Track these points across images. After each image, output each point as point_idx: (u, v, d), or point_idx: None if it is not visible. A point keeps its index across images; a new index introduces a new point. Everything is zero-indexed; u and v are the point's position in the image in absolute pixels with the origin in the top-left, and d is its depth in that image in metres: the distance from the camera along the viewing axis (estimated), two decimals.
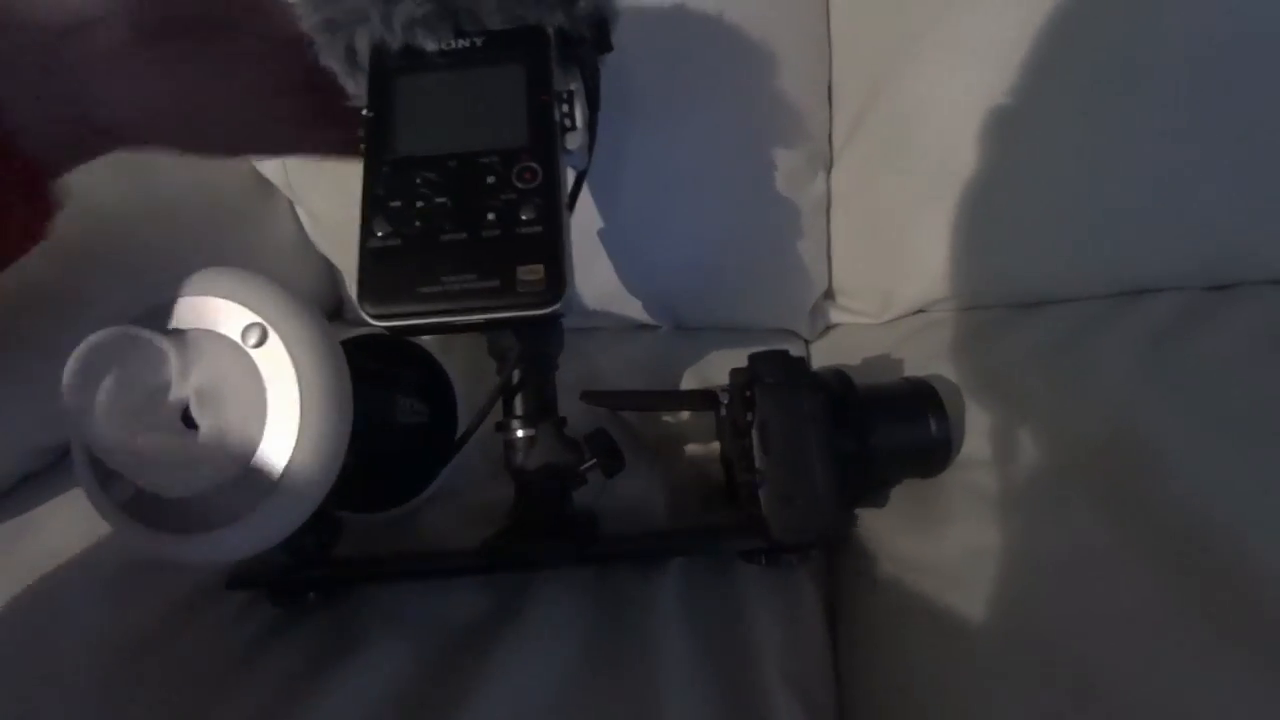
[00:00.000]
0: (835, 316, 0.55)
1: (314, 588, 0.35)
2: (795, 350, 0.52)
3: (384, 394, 0.37)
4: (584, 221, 0.49)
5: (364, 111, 0.31)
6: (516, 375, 0.35)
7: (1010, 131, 0.44)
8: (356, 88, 0.32)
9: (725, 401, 0.32)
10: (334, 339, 0.29)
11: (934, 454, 0.35)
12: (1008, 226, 0.46)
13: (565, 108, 0.31)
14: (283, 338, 0.28)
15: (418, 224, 0.29)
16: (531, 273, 0.27)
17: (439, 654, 0.31)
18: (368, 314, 0.28)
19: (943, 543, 0.34)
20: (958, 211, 0.46)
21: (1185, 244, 0.45)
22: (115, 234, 0.48)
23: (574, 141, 0.32)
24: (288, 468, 0.27)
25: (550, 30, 0.32)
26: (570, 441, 0.35)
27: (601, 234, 0.51)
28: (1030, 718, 0.26)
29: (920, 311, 0.51)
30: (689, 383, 0.49)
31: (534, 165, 0.29)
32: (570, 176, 0.37)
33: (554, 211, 0.29)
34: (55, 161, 0.29)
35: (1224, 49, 0.41)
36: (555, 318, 0.28)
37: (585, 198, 0.47)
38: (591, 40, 0.33)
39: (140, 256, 0.49)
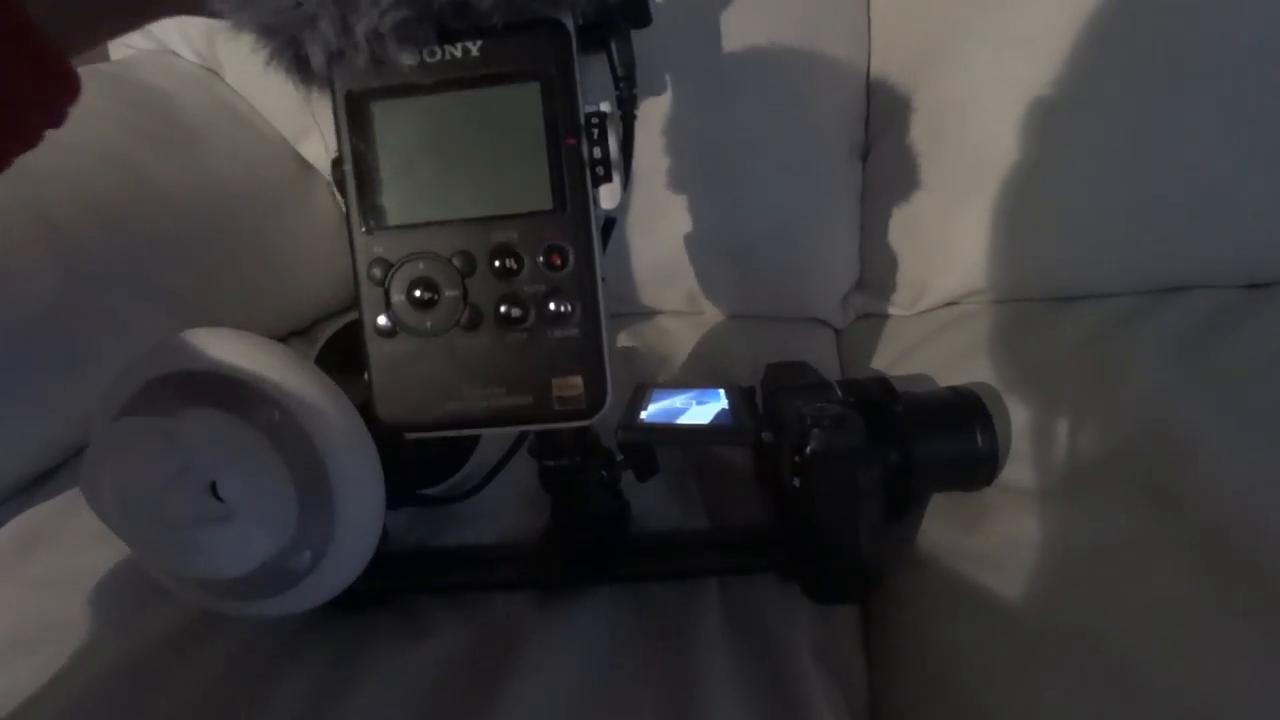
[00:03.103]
0: (865, 306, 0.55)
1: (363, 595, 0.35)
2: (824, 341, 0.52)
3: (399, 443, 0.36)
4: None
5: (336, 158, 0.24)
6: None
7: (1051, 124, 0.44)
8: (319, 104, 0.25)
9: (769, 441, 0.32)
10: (349, 406, 0.25)
11: (980, 468, 0.34)
12: (1046, 220, 0.46)
13: (597, 150, 0.24)
14: (300, 416, 0.24)
15: (428, 325, 0.24)
16: (569, 387, 0.24)
17: (471, 652, 0.31)
18: (383, 420, 0.25)
19: (980, 533, 0.34)
20: (995, 204, 0.46)
21: (1224, 242, 0.45)
22: (167, 209, 0.50)
23: (609, 199, 0.25)
24: (338, 535, 0.25)
25: (569, 23, 0.23)
26: (607, 454, 0.34)
27: (631, 220, 0.51)
28: (1067, 706, 0.26)
29: (953, 304, 0.51)
30: (717, 369, 0.49)
31: (563, 246, 0.24)
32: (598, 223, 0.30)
33: (591, 306, 0.24)
34: (69, 38, 0.24)
35: (1273, 48, 0.40)
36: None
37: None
38: (623, 14, 0.26)
39: (192, 233, 0.50)
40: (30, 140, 0.24)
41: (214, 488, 0.24)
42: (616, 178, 0.25)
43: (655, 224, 0.51)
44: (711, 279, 0.53)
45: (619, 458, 0.34)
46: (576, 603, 0.33)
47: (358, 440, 0.25)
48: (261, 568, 0.25)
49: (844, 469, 0.28)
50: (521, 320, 0.24)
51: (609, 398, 0.25)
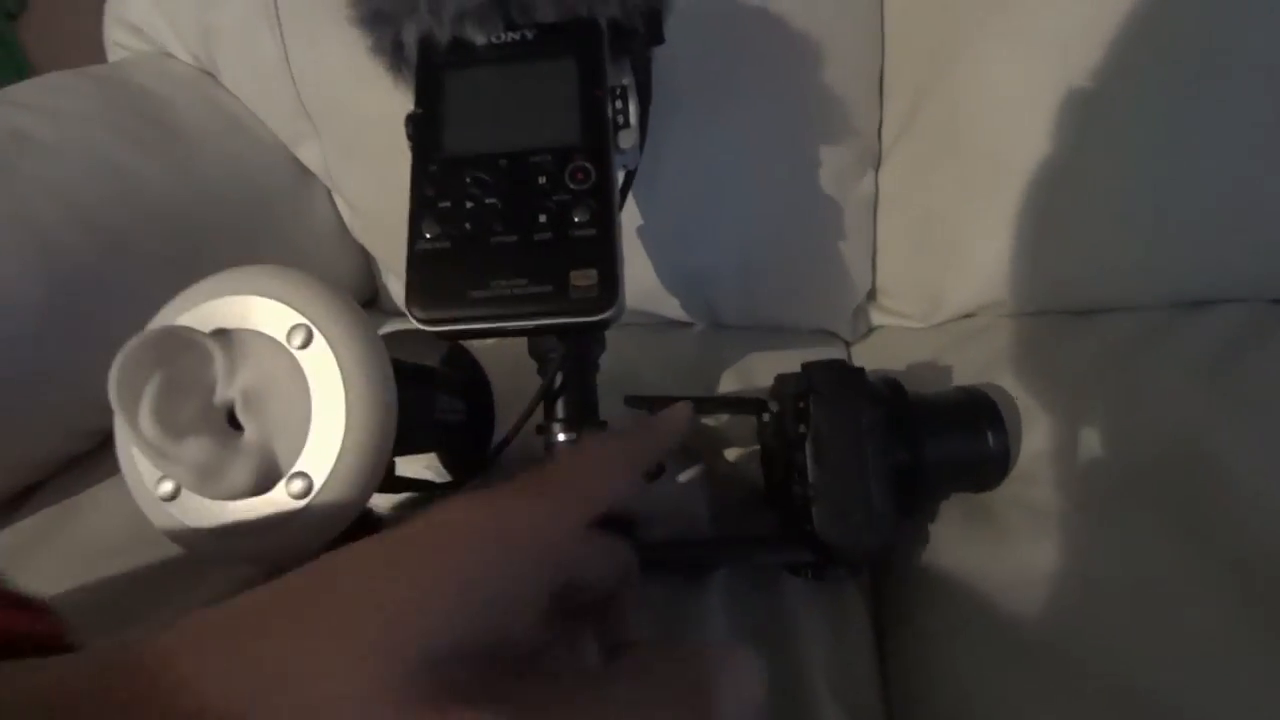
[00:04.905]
0: (878, 319, 0.53)
1: None
2: (834, 353, 0.51)
3: (423, 391, 0.37)
4: (623, 217, 0.47)
5: (412, 109, 0.30)
6: (559, 379, 0.34)
7: (1073, 131, 0.42)
8: (404, 83, 0.31)
9: (774, 410, 0.31)
10: (378, 341, 0.28)
11: (990, 468, 0.33)
12: (1067, 230, 0.44)
13: (619, 104, 0.30)
14: (328, 339, 0.27)
15: (467, 226, 0.28)
16: (584, 278, 0.27)
17: None
18: (416, 318, 0.28)
19: (998, 558, 0.33)
20: (1014, 213, 0.45)
21: (1255, 254, 0.43)
22: (160, 220, 0.49)
23: (627, 140, 0.31)
24: (333, 471, 0.27)
25: (603, 23, 0.31)
26: None
27: (640, 229, 0.49)
28: None
29: (969, 316, 0.49)
30: (727, 383, 0.48)
31: (587, 165, 0.28)
32: (619, 176, 0.37)
33: (608, 214, 0.28)
34: None
35: None
36: (606, 324, 0.28)
37: None
38: (644, 32, 0.33)
39: (185, 243, 0.49)
40: None
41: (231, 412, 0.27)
42: (633, 126, 0.31)
43: (660, 233, 0.49)
44: (718, 289, 0.52)
45: None
46: None
47: (379, 371, 0.27)
48: (258, 492, 0.26)
49: (847, 406, 0.29)
50: (548, 224, 0.28)
51: (620, 298, 0.27)
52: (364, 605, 0.15)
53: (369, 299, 0.61)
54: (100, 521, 0.39)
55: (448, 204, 0.28)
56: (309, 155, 0.55)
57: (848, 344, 0.53)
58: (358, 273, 0.59)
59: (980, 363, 0.44)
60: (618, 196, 0.30)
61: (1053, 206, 0.44)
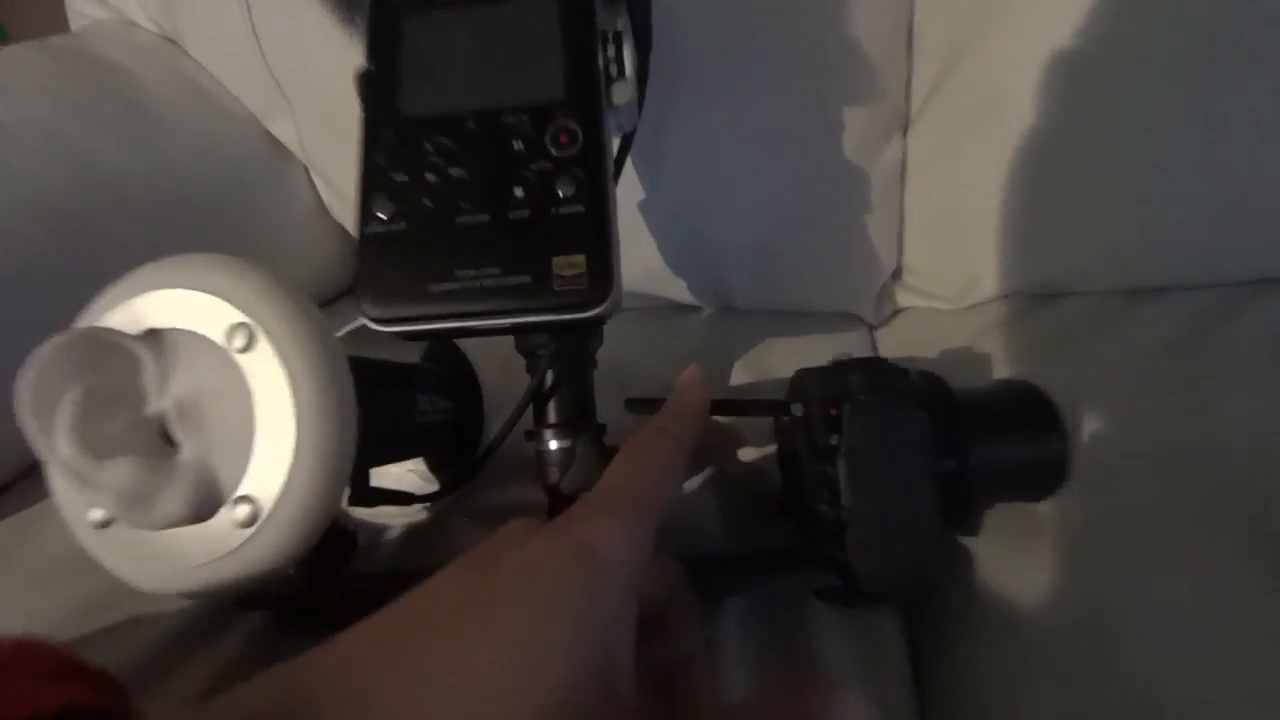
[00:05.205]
0: (904, 300, 0.49)
1: (326, 611, 0.32)
2: (856, 338, 0.46)
3: (400, 393, 0.33)
4: (621, 188, 0.43)
5: (363, 64, 0.25)
6: (550, 377, 0.30)
7: (1122, 95, 0.37)
8: (359, 36, 0.27)
9: (798, 414, 0.27)
10: (334, 340, 0.24)
11: (1045, 475, 0.29)
12: (1115, 204, 0.40)
13: (611, 51, 0.26)
14: (273, 340, 0.24)
15: (428, 203, 0.24)
16: (570, 266, 0.22)
17: None
18: (368, 316, 0.24)
19: (1052, 580, 0.29)
20: (1057, 184, 0.40)
21: None
22: (122, 202, 0.45)
23: (622, 95, 0.26)
24: (282, 495, 0.23)
25: None
26: (612, 452, 0.31)
27: (642, 204, 0.45)
28: None
29: (1008, 297, 0.45)
30: (740, 374, 0.44)
31: (572, 126, 0.24)
32: (614, 140, 0.32)
33: (599, 185, 0.23)
34: None
35: None
36: (599, 321, 0.23)
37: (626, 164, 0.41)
38: None
39: (151, 226, 0.45)
40: None
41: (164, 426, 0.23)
42: (629, 76, 0.26)
43: (664, 207, 0.45)
44: (730, 268, 0.47)
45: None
46: None
47: (333, 376, 0.23)
48: (199, 518, 0.23)
49: (889, 416, 0.25)
50: (526, 196, 0.23)
51: (616, 288, 0.23)
52: (481, 667, 0.15)
53: (350, 284, 0.57)
54: (59, 536, 0.36)
55: (405, 177, 0.24)
56: (283, 130, 0.51)
57: (871, 328, 0.48)
58: (339, 255, 0.55)
59: (1020, 349, 0.39)
60: (611, 165, 0.25)
61: (1099, 178, 0.39)
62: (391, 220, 0.24)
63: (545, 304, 0.23)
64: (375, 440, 0.31)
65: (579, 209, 0.23)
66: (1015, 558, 0.30)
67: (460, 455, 0.38)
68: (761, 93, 0.41)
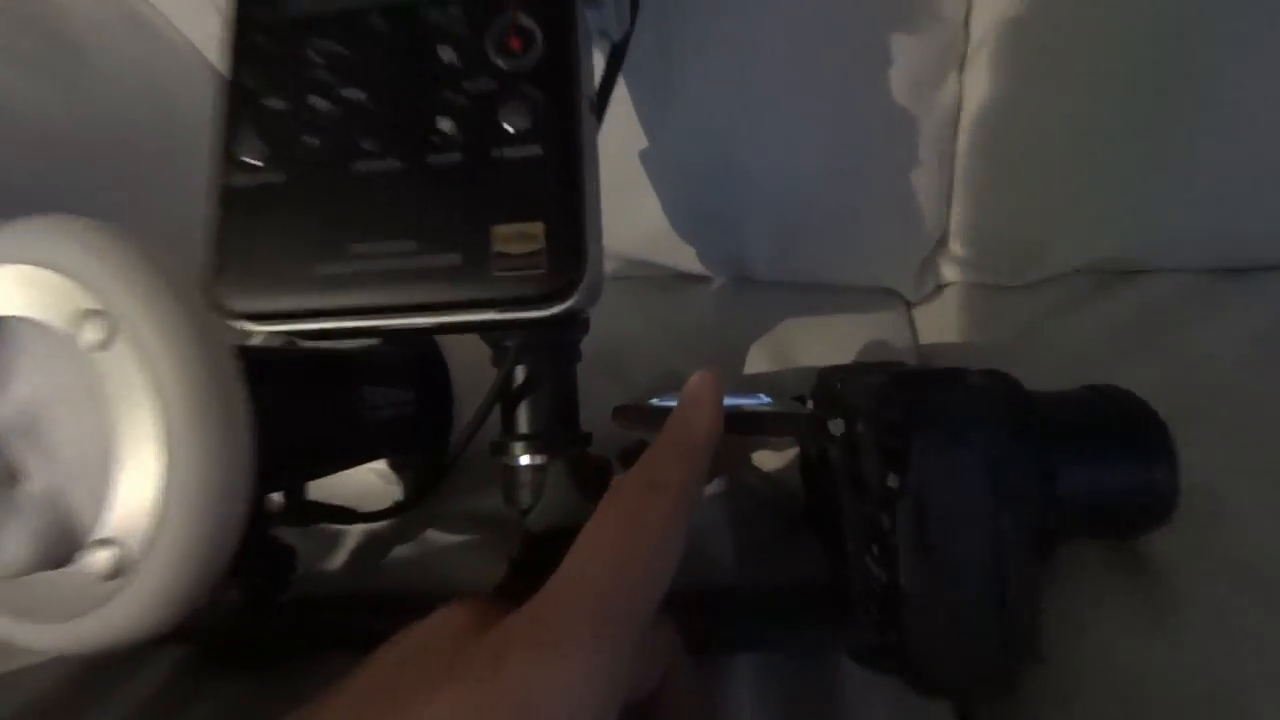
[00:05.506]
0: (950, 274, 0.42)
1: (260, 644, 0.27)
2: (892, 318, 0.40)
3: (333, 389, 0.27)
4: (616, 134, 0.36)
5: None
6: (520, 374, 0.24)
7: (1236, 29, 0.30)
8: None
9: (838, 433, 0.21)
10: (215, 332, 0.18)
11: (1149, 507, 0.23)
12: (1218, 165, 0.32)
13: None
14: (135, 333, 0.18)
15: (313, 142, 0.17)
16: (521, 239, 0.15)
17: None
18: (225, 309, 0.17)
19: (1148, 642, 0.23)
20: (1149, 135, 0.33)
21: None
22: (48, 149, 0.39)
23: None
24: (154, 537, 0.18)
25: None
26: (599, 465, 0.25)
27: (643, 153, 0.39)
28: None
29: (1077, 273, 0.38)
30: (755, 359, 0.37)
31: (527, 23, 0.16)
32: (594, 54, 0.24)
33: (567, 116, 0.16)
34: None
35: None
36: (567, 319, 0.17)
37: (620, 99, 0.34)
38: None
39: (81, 175, 0.40)
40: None
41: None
42: None
43: (671, 158, 0.38)
44: (748, 232, 0.41)
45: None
46: None
47: (213, 379, 0.18)
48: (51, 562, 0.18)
49: (969, 453, 0.18)
50: (455, 132, 0.16)
51: (588, 270, 0.16)
52: None
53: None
54: None
55: (280, 103, 0.17)
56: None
57: (910, 305, 0.42)
58: None
59: (1095, 339, 0.33)
60: (588, 87, 0.18)
61: (1201, 133, 0.32)
62: (262, 169, 0.17)
63: (482, 296, 0.16)
64: (305, 451, 0.25)
65: (534, 150, 0.16)
66: (1104, 612, 0.24)
67: (429, 449, 0.33)
68: (794, 11, 0.34)
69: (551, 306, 0.16)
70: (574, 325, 0.24)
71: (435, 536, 0.32)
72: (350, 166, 0.16)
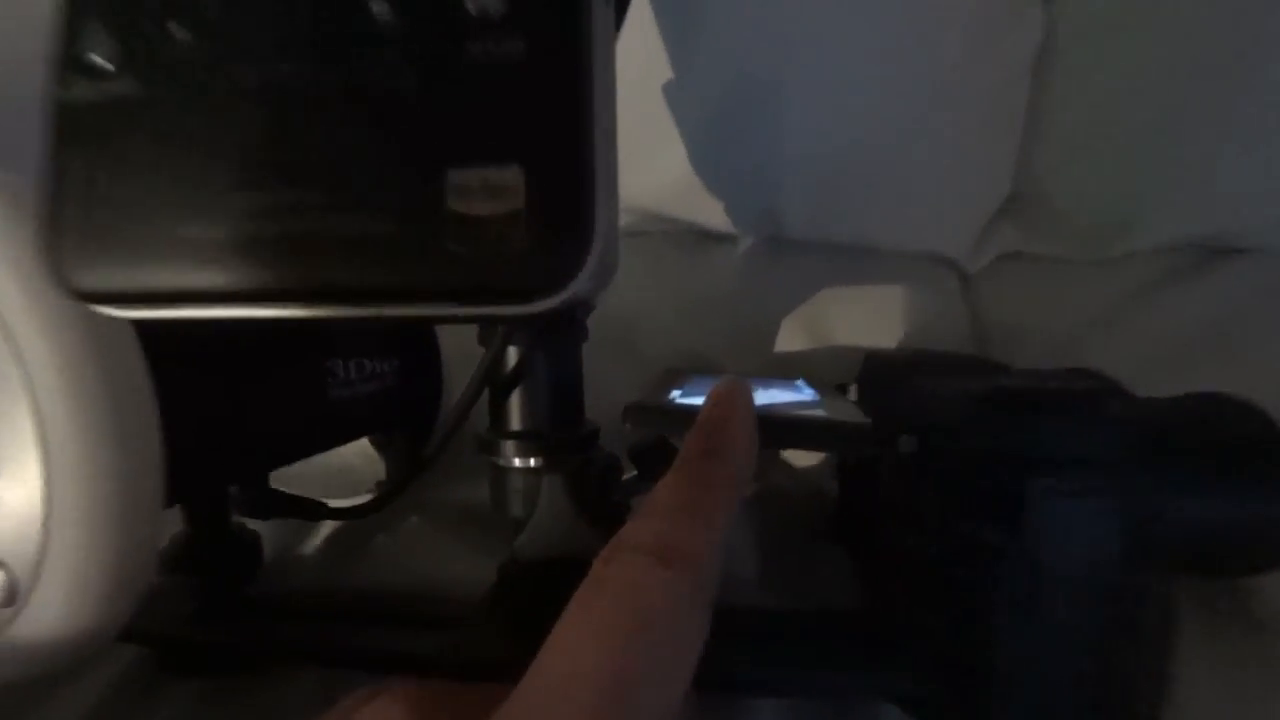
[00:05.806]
0: (1013, 242, 0.37)
1: (219, 649, 0.24)
2: (944, 292, 0.35)
3: (285, 366, 0.22)
4: (632, 62, 0.32)
5: None
6: (513, 356, 0.20)
7: None
8: None
9: (909, 450, 0.17)
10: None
11: (1268, 542, 0.19)
12: None
13: None
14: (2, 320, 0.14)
15: (184, 36, 0.11)
16: (491, 193, 0.10)
17: None
18: (66, 283, 0.12)
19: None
20: (1262, 86, 0.27)
21: None
22: None
23: None
24: (41, 556, 0.14)
25: None
26: (606, 465, 0.21)
27: (665, 87, 0.34)
28: None
29: (1173, 250, 0.33)
30: (787, 334, 0.33)
31: None
32: None
33: (568, 10, 0.11)
34: None
35: None
36: (561, 315, 0.12)
37: (637, 19, 0.30)
38: None
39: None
40: None
41: None
42: None
43: (700, 101, 0.33)
44: (784, 189, 0.36)
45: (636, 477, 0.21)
46: None
47: (101, 369, 0.14)
48: None
49: (1109, 499, 0.13)
50: (394, 20, 0.11)
51: (595, 244, 0.10)
52: None
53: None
54: None
55: None
56: None
57: (965, 277, 0.37)
58: None
59: (1187, 328, 0.28)
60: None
61: None
62: (112, 76, 0.12)
63: (427, 282, 0.11)
64: (257, 440, 0.21)
65: (514, 49, 0.10)
66: (1202, 669, 0.20)
67: (417, 423, 0.29)
68: None
69: (536, 300, 0.10)
70: (574, 317, 0.19)
71: (419, 528, 0.28)
72: (235, 74, 0.11)
